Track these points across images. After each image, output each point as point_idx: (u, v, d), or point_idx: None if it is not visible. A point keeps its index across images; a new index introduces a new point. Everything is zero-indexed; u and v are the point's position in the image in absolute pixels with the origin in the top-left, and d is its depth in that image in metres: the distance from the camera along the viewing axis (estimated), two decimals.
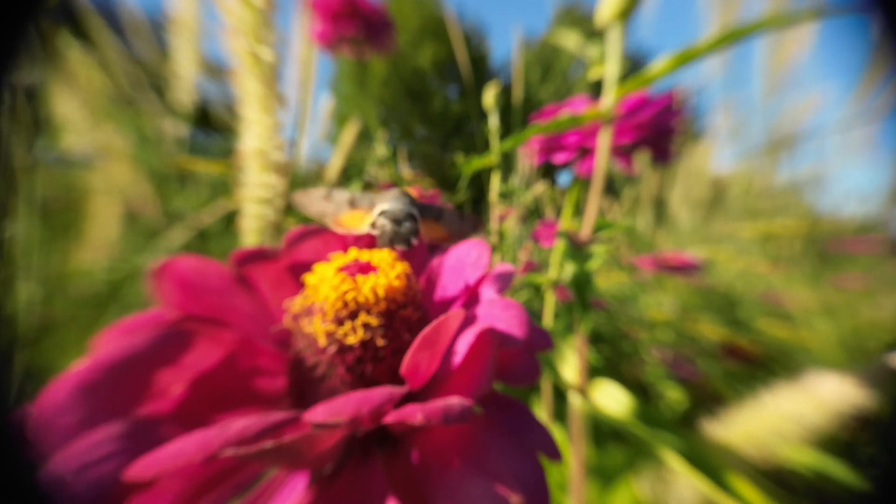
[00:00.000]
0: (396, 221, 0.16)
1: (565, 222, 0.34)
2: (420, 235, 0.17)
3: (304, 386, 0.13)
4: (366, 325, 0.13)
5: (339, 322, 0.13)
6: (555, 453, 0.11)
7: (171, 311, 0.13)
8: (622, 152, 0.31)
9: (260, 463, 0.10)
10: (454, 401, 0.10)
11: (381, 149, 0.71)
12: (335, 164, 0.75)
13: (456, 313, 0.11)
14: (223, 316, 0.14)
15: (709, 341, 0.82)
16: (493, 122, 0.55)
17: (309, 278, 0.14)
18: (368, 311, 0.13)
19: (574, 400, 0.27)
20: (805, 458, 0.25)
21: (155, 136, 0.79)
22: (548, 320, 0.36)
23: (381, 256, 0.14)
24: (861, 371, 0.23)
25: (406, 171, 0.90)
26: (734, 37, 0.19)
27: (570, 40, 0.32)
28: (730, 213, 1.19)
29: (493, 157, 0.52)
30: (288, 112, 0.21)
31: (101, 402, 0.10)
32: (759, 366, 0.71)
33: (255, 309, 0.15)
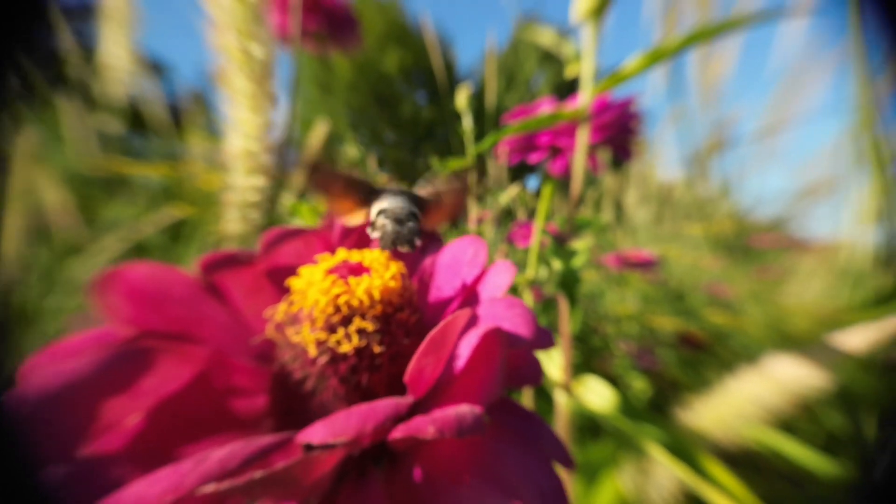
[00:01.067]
0: (398, 221, 0.15)
1: (541, 221, 0.34)
2: (422, 234, 0.16)
3: (290, 404, 0.12)
4: (361, 331, 0.12)
5: (331, 329, 0.12)
6: (568, 461, 0.10)
7: (122, 328, 0.11)
8: (589, 151, 0.33)
9: (246, 497, 0.09)
10: (465, 409, 0.09)
11: (352, 151, 0.69)
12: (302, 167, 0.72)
13: (462, 313, 0.11)
14: (190, 330, 0.12)
15: (665, 332, 0.88)
16: (467, 123, 0.55)
17: (295, 282, 0.12)
18: (363, 316, 0.12)
19: (560, 397, 0.28)
20: (766, 439, 0.27)
21: (75, 134, 0.69)
22: None
23: (374, 256, 0.13)
24: (807, 352, 0.26)
25: (380, 175, 0.88)
26: (702, 36, 0.21)
27: (545, 38, 0.33)
28: (677, 213, 1.30)
29: (468, 158, 0.52)
30: (278, 111, 0.19)
31: (36, 441, 0.08)
32: (708, 351, 0.78)
33: (228, 320, 0.13)
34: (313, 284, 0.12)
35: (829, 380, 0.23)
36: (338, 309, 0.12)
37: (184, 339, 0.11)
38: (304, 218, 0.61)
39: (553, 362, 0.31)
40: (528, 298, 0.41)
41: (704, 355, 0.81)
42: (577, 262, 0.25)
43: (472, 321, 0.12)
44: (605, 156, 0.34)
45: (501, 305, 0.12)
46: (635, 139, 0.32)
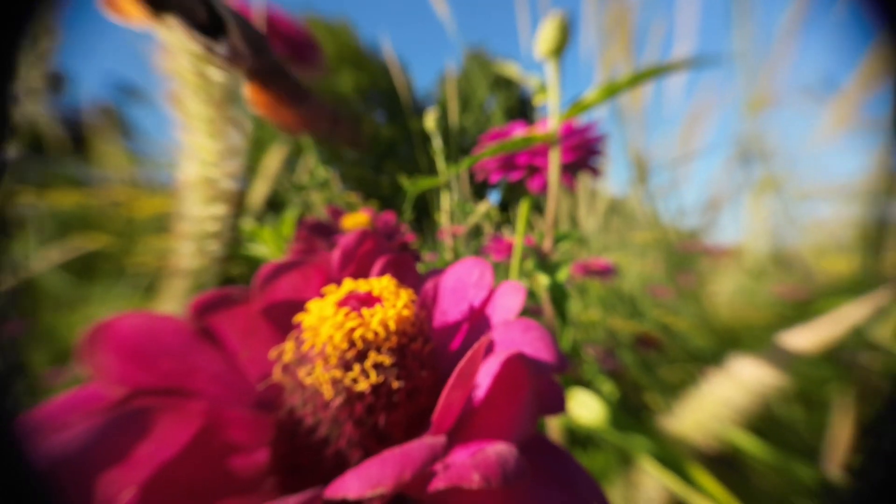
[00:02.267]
0: None
1: (520, 235, 0.36)
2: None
3: (297, 457, 0.11)
4: (378, 366, 0.11)
5: (346, 366, 0.11)
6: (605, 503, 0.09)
7: (113, 388, 0.09)
8: (564, 171, 0.35)
9: None
10: (504, 451, 0.08)
11: (320, 171, 0.67)
12: (259, 190, 0.69)
13: (487, 338, 0.10)
14: (184, 383, 0.10)
15: (623, 334, 0.94)
16: (437, 143, 0.57)
17: (305, 318, 0.11)
18: (379, 349, 0.11)
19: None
20: (738, 439, 0.29)
21: None
22: None
23: (383, 285, 0.12)
24: (766, 353, 0.28)
25: (348, 194, 0.86)
26: (648, 75, 0.24)
27: (510, 71, 0.35)
28: (622, 223, 1.44)
29: (442, 177, 0.53)
30: (241, 136, 0.18)
31: None
32: (661, 351, 0.84)
33: (224, 367, 0.12)
34: (325, 319, 0.11)
35: (786, 379, 0.25)
36: (352, 344, 0.11)
37: (178, 393, 0.10)
38: (266, 242, 0.57)
39: None
40: None
41: (657, 355, 0.87)
42: (562, 275, 0.26)
43: (490, 347, 0.11)
44: (576, 174, 0.36)
45: (518, 329, 0.11)
46: (601, 159, 0.35)
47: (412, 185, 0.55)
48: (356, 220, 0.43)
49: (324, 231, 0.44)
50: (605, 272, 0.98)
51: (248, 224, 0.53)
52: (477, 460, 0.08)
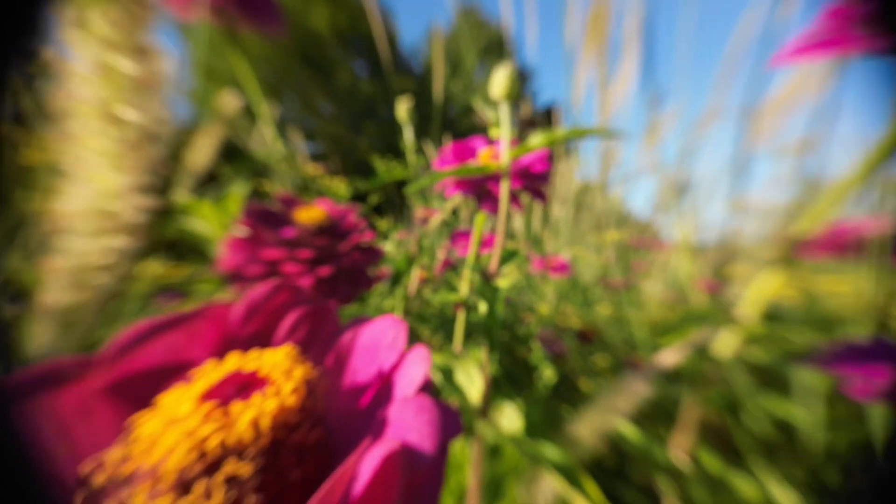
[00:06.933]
0: None
1: (474, 248, 0.37)
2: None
3: None
4: (230, 481, 0.09)
5: (184, 489, 0.09)
6: None
7: None
8: (512, 196, 0.36)
9: None
10: None
11: (278, 145, 0.59)
12: (202, 151, 0.59)
13: (348, 470, 0.09)
14: None
15: (571, 327, 1.03)
16: (409, 136, 0.55)
17: (143, 425, 0.09)
18: (240, 455, 0.09)
19: (477, 422, 0.31)
20: (627, 431, 0.35)
21: None
22: (458, 338, 0.39)
23: (275, 360, 0.11)
24: (640, 370, 0.33)
25: (309, 163, 0.80)
26: (575, 135, 0.26)
27: (478, 104, 0.35)
28: (589, 218, 1.52)
29: (409, 172, 0.52)
30: (157, 174, 0.16)
31: None
32: (596, 342, 0.94)
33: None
34: (173, 424, 0.09)
35: (651, 392, 0.30)
36: (202, 455, 0.09)
37: None
38: (206, 219, 0.52)
39: (474, 385, 0.34)
40: (462, 317, 0.43)
41: (594, 344, 0.97)
42: (500, 304, 0.28)
43: (377, 432, 0.11)
44: (524, 198, 0.37)
45: (411, 411, 0.12)
46: (547, 185, 0.36)
47: (385, 172, 0.53)
48: (311, 214, 0.41)
49: (272, 221, 0.41)
50: (562, 269, 1.04)
51: (182, 196, 0.48)
52: None
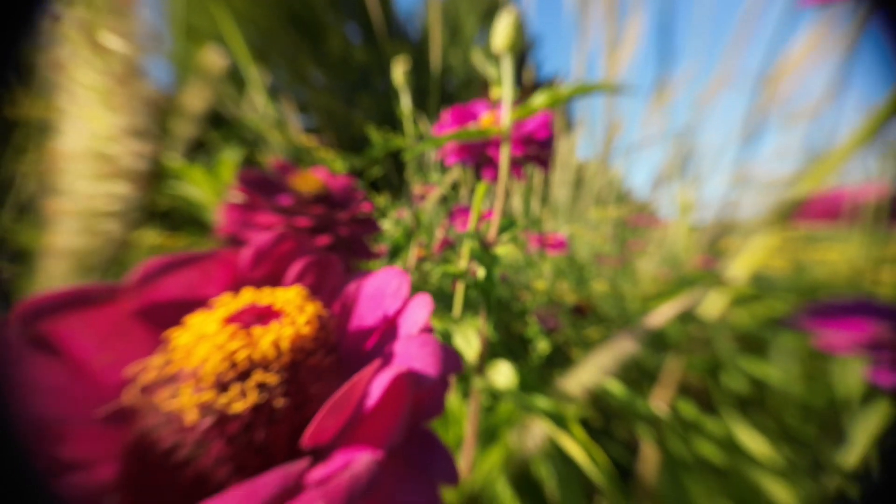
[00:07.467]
0: None
1: (474, 219, 0.37)
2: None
3: (151, 475, 0.10)
4: (261, 386, 0.10)
5: (222, 388, 0.10)
6: (454, 479, 0.11)
7: None
8: (514, 163, 0.36)
9: None
10: (360, 469, 0.08)
11: (269, 109, 0.58)
12: (188, 114, 0.56)
13: (368, 373, 0.10)
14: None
15: (566, 303, 1.06)
16: (406, 102, 0.53)
17: (177, 337, 0.10)
18: (266, 368, 0.10)
19: (474, 379, 0.33)
20: (612, 387, 0.37)
21: None
22: (457, 307, 0.40)
23: (288, 297, 0.12)
24: (630, 331, 0.35)
25: (302, 135, 0.78)
26: (581, 91, 0.26)
27: (478, 59, 0.34)
28: (589, 194, 1.51)
29: (406, 141, 0.51)
30: (147, 115, 0.16)
31: None
32: (590, 315, 0.97)
33: (65, 380, 0.10)
34: (204, 338, 0.10)
35: (638, 349, 0.32)
36: (234, 365, 0.10)
37: None
38: (199, 185, 0.51)
39: (471, 346, 0.35)
40: (461, 288, 0.44)
41: (588, 318, 1.00)
42: (497, 269, 0.29)
43: (386, 360, 0.12)
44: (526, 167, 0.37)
45: (415, 344, 0.13)
46: (551, 153, 0.36)
47: (381, 143, 0.52)
48: (307, 182, 0.40)
49: (267, 188, 0.41)
50: (559, 246, 1.05)
51: (174, 160, 0.47)
52: (328, 488, 0.08)
